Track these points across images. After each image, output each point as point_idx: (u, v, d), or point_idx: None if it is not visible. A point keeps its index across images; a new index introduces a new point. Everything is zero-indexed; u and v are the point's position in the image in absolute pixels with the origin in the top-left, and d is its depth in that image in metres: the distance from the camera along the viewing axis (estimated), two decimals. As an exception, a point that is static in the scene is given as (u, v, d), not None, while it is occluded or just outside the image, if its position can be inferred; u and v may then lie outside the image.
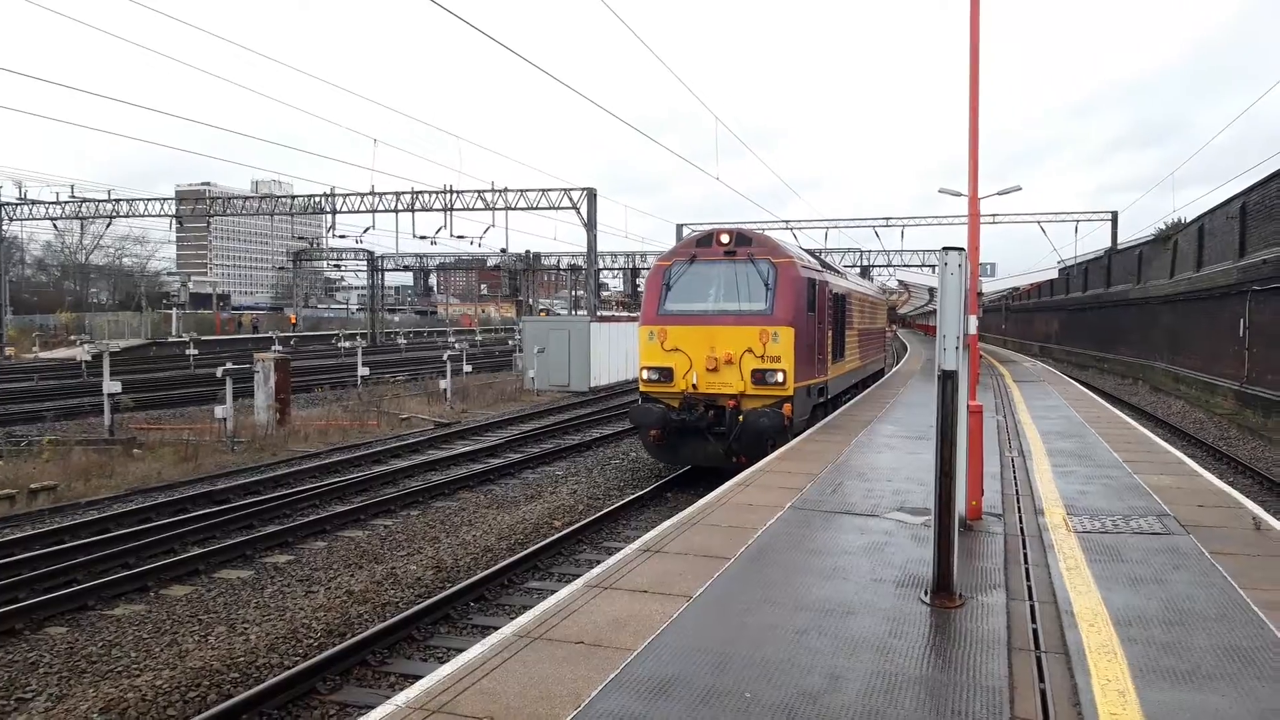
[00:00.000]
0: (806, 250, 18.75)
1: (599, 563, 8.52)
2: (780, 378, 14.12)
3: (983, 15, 8.60)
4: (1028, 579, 6.73)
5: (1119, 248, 49.51)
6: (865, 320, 23.93)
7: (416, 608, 8.90)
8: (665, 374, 14.72)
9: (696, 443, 14.53)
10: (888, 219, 61.24)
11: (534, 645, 5.39)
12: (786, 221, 59.04)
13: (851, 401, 20.29)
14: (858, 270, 60.35)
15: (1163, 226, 39.15)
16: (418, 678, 5.77)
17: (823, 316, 16.15)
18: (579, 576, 7.34)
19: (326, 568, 10.87)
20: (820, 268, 16.73)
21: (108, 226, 63.93)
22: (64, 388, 33.27)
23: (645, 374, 15.00)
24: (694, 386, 14.47)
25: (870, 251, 64.76)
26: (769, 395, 14.17)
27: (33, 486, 14.60)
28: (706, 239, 15.33)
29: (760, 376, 14.19)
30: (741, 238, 15.00)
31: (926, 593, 6.24)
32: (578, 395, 31.58)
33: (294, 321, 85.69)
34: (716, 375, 14.39)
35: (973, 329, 8.55)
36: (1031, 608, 6.07)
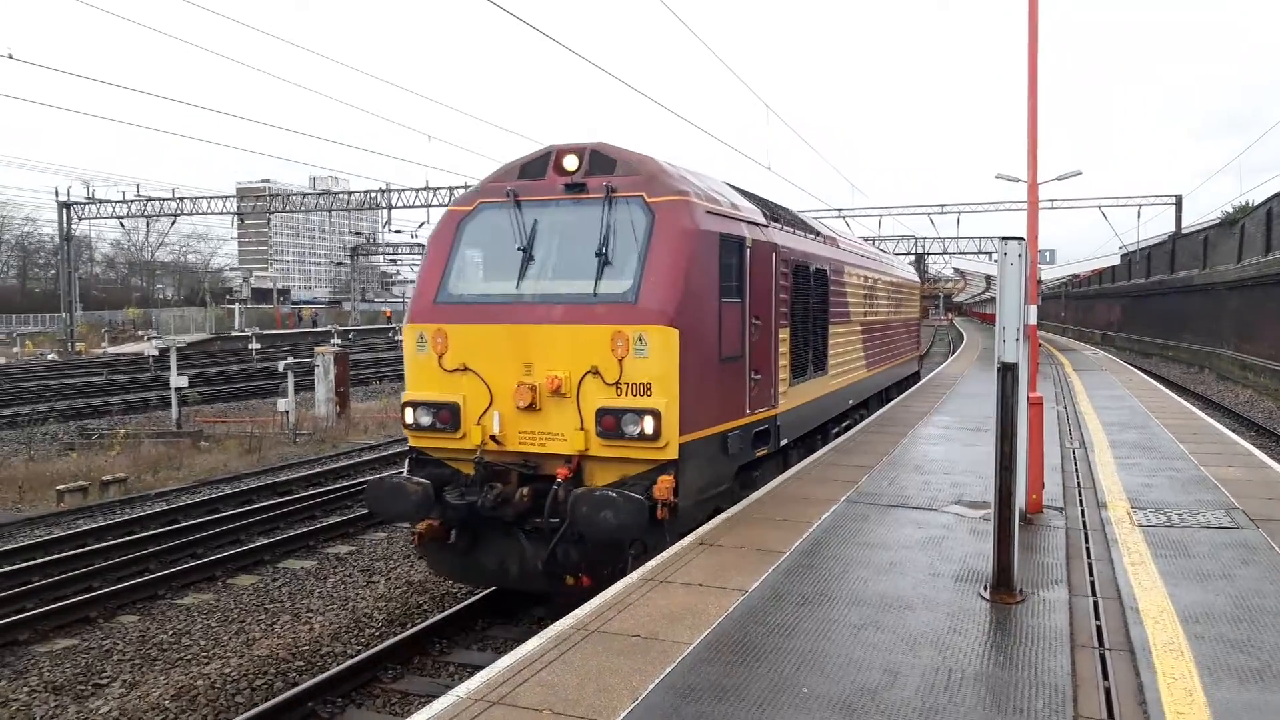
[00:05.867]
0: (782, 205, 12.24)
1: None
2: (650, 425, 7.60)
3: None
4: (1090, 574, 6.61)
5: (1183, 232, 48.14)
6: (880, 309, 17.11)
7: (475, 598, 9.04)
8: (445, 414, 8.21)
9: (504, 544, 8.14)
10: (943, 205, 60.23)
11: (591, 638, 5.45)
12: (839, 209, 58.32)
13: (903, 395, 20.04)
14: (911, 258, 59.47)
15: (1229, 210, 38.00)
16: (477, 668, 5.88)
17: (764, 303, 9.55)
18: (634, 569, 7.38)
19: (387, 558, 11.09)
20: (765, 219, 10.12)
21: (172, 224, 65.67)
22: (132, 382, 34.25)
23: (411, 414, 8.39)
24: (495, 439, 8.09)
25: (926, 239, 63.90)
26: (629, 457, 7.80)
27: (104, 479, 15.09)
28: (538, 163, 8.74)
29: (613, 422, 7.70)
30: (599, 159, 8.51)
31: (986, 588, 6.16)
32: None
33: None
34: (535, 417, 7.97)
35: (1032, 319, 8.41)
36: (1095, 603, 5.97)
